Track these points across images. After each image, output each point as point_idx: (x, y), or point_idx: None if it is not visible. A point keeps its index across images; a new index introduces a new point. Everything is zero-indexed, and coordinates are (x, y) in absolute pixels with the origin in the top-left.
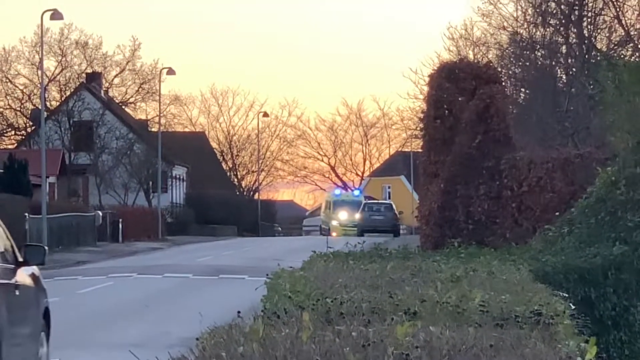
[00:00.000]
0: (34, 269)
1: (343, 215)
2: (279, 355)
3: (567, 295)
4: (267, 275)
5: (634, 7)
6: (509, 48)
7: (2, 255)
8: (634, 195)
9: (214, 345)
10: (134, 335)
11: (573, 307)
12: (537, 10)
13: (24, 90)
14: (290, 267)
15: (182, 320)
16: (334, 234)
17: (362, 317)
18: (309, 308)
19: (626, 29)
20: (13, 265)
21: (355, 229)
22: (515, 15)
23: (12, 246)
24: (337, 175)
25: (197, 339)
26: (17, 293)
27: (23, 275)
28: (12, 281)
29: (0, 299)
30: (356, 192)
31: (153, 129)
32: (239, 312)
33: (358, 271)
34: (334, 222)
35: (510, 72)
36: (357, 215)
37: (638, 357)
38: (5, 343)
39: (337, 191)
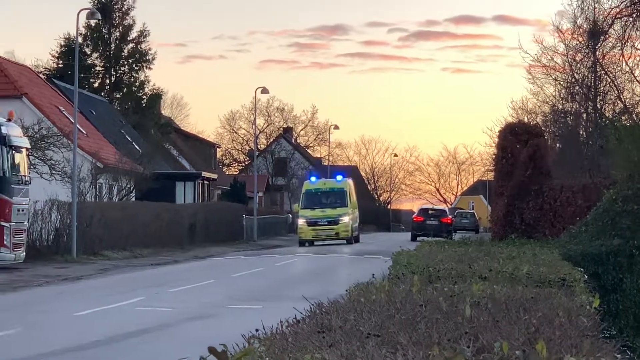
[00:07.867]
0: None
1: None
2: (397, 301)
3: (582, 270)
4: (393, 254)
5: (629, 89)
6: (550, 115)
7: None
8: (626, 207)
9: (356, 294)
10: (310, 292)
11: (586, 277)
12: (568, 91)
13: (244, 137)
14: (408, 249)
15: (341, 282)
16: (301, 235)
17: (451, 279)
18: (418, 273)
19: (624, 103)
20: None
21: (329, 226)
22: (554, 94)
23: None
24: (440, 194)
25: (346, 290)
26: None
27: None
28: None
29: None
30: (338, 178)
31: (324, 163)
32: (373, 274)
33: (450, 252)
34: (301, 221)
35: (550, 130)
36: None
37: (628, 310)
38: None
39: (313, 178)
